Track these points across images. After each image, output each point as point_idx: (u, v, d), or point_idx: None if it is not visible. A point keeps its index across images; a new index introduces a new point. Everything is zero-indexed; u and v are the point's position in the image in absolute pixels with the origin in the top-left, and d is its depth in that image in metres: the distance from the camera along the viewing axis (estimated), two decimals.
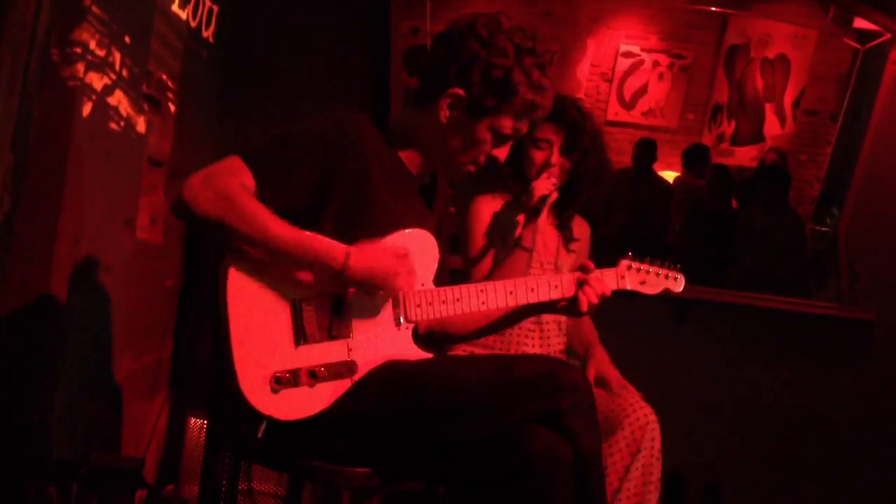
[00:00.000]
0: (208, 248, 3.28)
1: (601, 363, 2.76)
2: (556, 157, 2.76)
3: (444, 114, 2.00)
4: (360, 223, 1.94)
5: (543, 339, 2.83)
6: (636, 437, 2.55)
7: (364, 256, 1.85)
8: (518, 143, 2.52)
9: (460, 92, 1.97)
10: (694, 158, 6.26)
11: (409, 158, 2.09)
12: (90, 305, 2.71)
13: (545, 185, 2.69)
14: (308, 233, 1.84)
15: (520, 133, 2.05)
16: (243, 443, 1.94)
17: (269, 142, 1.91)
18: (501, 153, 2.08)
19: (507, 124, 2.00)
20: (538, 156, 2.77)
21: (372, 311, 1.94)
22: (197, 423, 3.14)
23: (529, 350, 2.79)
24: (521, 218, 2.76)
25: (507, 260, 2.70)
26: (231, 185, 1.80)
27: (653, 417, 2.59)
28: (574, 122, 2.73)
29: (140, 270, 3.05)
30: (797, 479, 4.12)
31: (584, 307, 2.08)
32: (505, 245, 2.77)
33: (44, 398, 2.45)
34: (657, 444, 2.58)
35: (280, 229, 1.80)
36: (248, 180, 1.83)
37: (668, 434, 2.63)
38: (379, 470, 1.92)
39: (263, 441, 1.83)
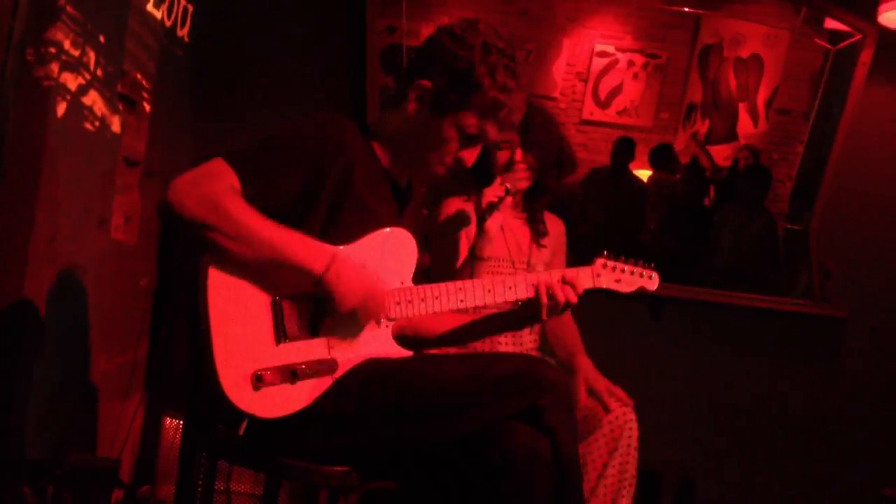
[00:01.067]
0: (183, 248, 3.27)
1: (588, 373, 2.75)
2: (518, 155, 2.77)
3: (412, 107, 2.02)
4: (342, 224, 1.95)
5: (516, 338, 2.84)
6: (615, 435, 2.58)
7: (345, 272, 1.85)
8: (485, 150, 2.55)
9: (426, 83, 2.00)
10: (660, 158, 6.31)
11: (386, 159, 2.11)
12: (65, 305, 2.69)
13: (493, 192, 2.65)
14: (296, 235, 1.85)
15: (487, 135, 2.05)
16: (221, 442, 1.94)
17: (254, 144, 1.91)
18: (469, 156, 2.08)
19: (471, 122, 2.00)
20: (500, 155, 2.78)
21: None
22: (172, 423, 3.13)
23: (502, 348, 2.80)
24: (472, 225, 2.76)
25: (465, 269, 2.70)
26: (217, 187, 1.80)
27: (631, 416, 2.62)
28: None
29: (115, 270, 3.04)
30: (770, 475, 4.16)
31: (544, 313, 2.10)
32: (454, 251, 2.78)
33: (19, 398, 2.43)
34: (634, 443, 2.60)
35: (266, 231, 1.80)
36: (235, 183, 1.83)
37: (644, 431, 2.65)
38: (359, 468, 1.93)
39: (243, 440, 1.83)
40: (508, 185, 2.67)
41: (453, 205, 2.86)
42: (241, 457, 2.03)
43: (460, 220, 2.82)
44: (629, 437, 2.60)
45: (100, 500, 2.45)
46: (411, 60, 2.08)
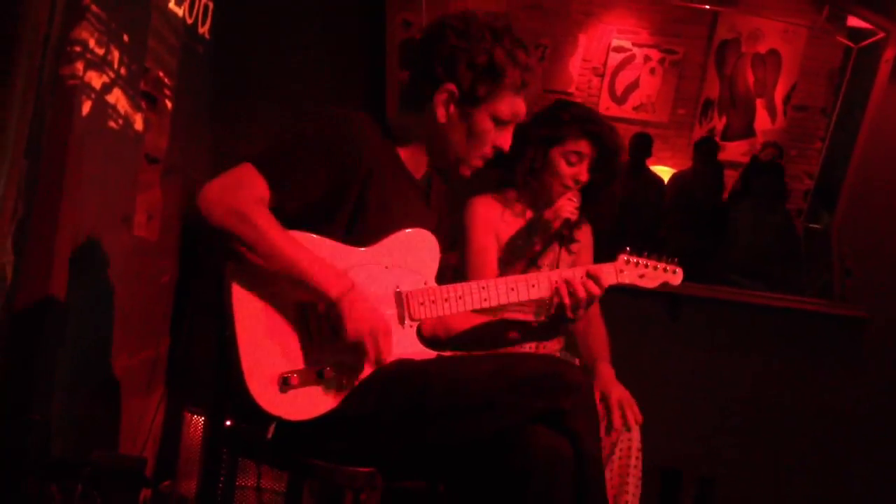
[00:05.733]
0: (204, 245, 3.28)
1: (605, 382, 2.72)
2: (584, 175, 2.74)
3: (442, 111, 2.01)
4: (366, 224, 1.96)
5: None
6: (612, 439, 2.57)
7: (359, 304, 1.84)
8: (543, 157, 2.59)
9: (452, 87, 1.99)
10: (699, 151, 6.31)
11: (409, 158, 2.09)
12: (88, 302, 2.71)
13: (569, 208, 2.66)
14: (319, 257, 1.85)
15: (519, 116, 2.06)
16: (244, 441, 1.95)
17: (278, 146, 1.91)
18: (505, 142, 2.08)
19: (504, 109, 2.02)
20: (567, 170, 2.74)
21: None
22: (194, 420, 3.14)
23: (525, 350, 2.78)
24: (537, 239, 2.75)
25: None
26: (246, 199, 1.80)
27: (635, 435, 2.60)
28: (613, 147, 2.74)
29: (137, 267, 3.05)
30: (789, 474, 4.15)
31: (569, 312, 2.09)
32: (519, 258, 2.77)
33: (43, 395, 2.45)
34: (634, 452, 2.57)
35: (290, 249, 1.81)
36: (263, 188, 1.83)
37: (662, 430, 2.65)
38: (382, 468, 1.93)
39: (270, 441, 1.83)
40: (578, 203, 2.70)
41: (483, 204, 2.84)
42: (267, 456, 2.04)
43: (528, 241, 2.81)
44: (629, 448, 2.57)
45: (128, 500, 2.47)
46: (422, 65, 2.04)
